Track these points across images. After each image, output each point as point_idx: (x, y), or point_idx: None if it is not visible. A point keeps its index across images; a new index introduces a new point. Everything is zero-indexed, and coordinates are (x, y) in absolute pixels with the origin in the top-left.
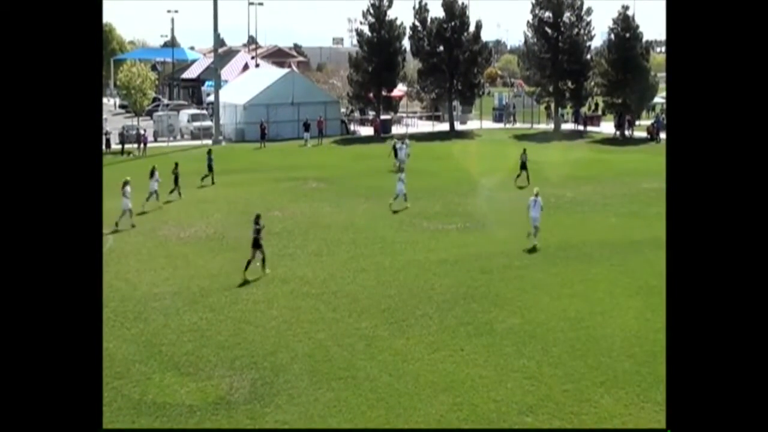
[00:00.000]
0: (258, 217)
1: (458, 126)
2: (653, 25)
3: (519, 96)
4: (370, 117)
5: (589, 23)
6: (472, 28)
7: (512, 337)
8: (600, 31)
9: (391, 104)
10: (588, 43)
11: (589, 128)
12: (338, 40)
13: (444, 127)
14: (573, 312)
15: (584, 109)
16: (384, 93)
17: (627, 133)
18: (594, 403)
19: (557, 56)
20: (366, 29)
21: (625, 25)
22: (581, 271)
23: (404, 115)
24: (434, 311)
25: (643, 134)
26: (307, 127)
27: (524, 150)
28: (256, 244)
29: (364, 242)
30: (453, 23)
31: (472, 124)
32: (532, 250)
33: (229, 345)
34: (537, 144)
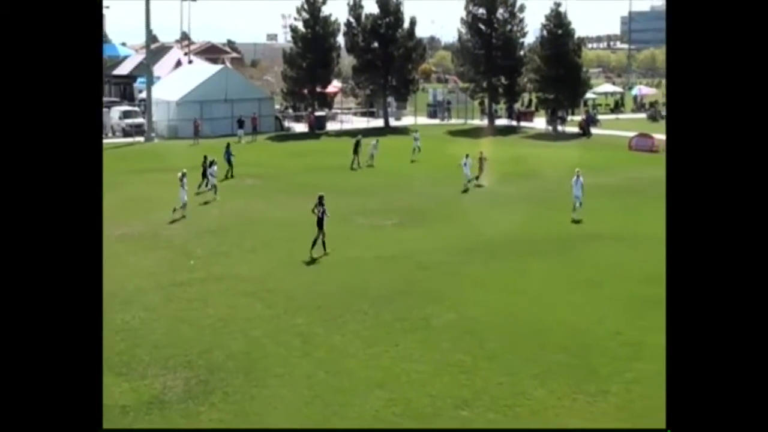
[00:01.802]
0: (321, 198)
1: (393, 122)
2: (585, 22)
3: (453, 92)
4: (305, 113)
5: (522, 20)
6: (406, 25)
7: (448, 332)
8: (533, 28)
9: (326, 100)
10: (521, 40)
11: (523, 124)
12: (272, 37)
13: (379, 123)
14: (510, 306)
15: (517, 105)
16: (318, 89)
17: (559, 128)
18: (528, 396)
19: (491, 53)
20: (300, 25)
21: (557, 21)
22: (519, 266)
23: (339, 111)
24: (370, 307)
25: (575, 129)
26: (241, 123)
27: (481, 151)
28: (320, 224)
29: (301, 239)
30: (387, 20)
31: (407, 120)
32: (578, 221)
33: (162, 344)
34: (472, 140)
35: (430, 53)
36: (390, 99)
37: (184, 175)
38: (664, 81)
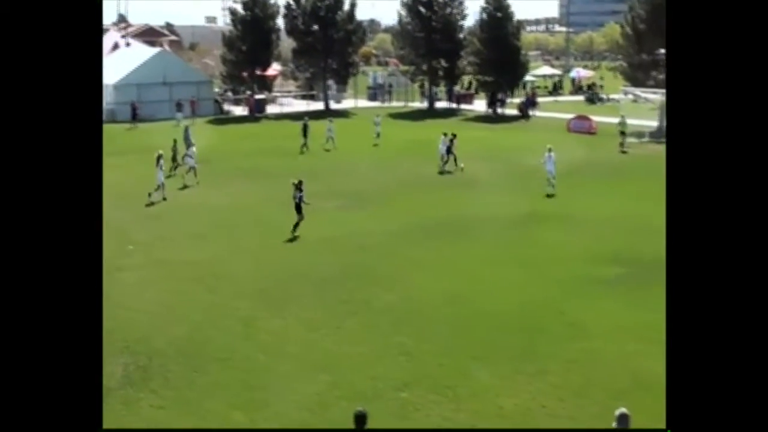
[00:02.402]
0: (300, 183)
1: (333, 105)
2: (523, 5)
3: (393, 75)
4: (245, 97)
5: (461, 3)
6: (346, 8)
7: (389, 314)
8: (473, 11)
9: (266, 83)
10: (461, 23)
11: (463, 106)
12: (211, 19)
13: (319, 106)
14: (451, 288)
15: (457, 88)
16: (258, 72)
17: (499, 110)
18: (469, 377)
19: (431, 35)
20: (239, 8)
21: (496, 4)
22: (460, 247)
23: (279, 94)
24: (312, 290)
25: (515, 112)
26: (179, 107)
27: (454, 135)
28: (299, 209)
29: (243, 223)
30: (327, 2)
31: (347, 103)
32: (551, 195)
33: None
34: (412, 122)
35: (370, 36)
36: (330, 82)
37: (160, 156)
38: (603, 63)
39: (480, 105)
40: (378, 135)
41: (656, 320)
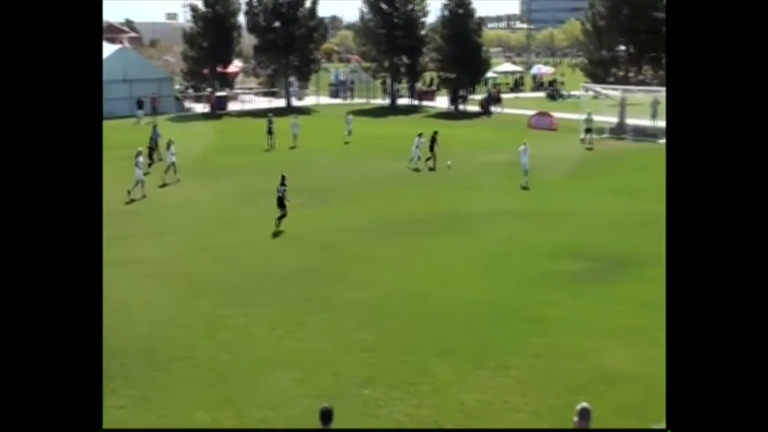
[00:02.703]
0: (283, 178)
1: (295, 102)
2: (485, 2)
3: (355, 71)
4: (206, 94)
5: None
6: (308, 4)
7: (352, 311)
8: (434, 8)
9: (227, 80)
10: (423, 19)
11: (425, 103)
12: (172, 16)
13: (281, 103)
14: (413, 284)
15: (419, 84)
16: (219, 69)
17: (461, 107)
18: (431, 373)
19: (393, 32)
20: (200, 4)
21: (458, 1)
22: (422, 244)
23: (240, 91)
24: (275, 288)
25: (476, 108)
26: (140, 104)
27: (435, 132)
28: (281, 203)
29: (206, 221)
30: None
31: (309, 100)
32: (525, 187)
33: None
34: (374, 119)
35: (332, 33)
36: (292, 79)
37: (139, 153)
38: (564, 60)
39: (442, 102)
40: (349, 133)
41: (615, 314)
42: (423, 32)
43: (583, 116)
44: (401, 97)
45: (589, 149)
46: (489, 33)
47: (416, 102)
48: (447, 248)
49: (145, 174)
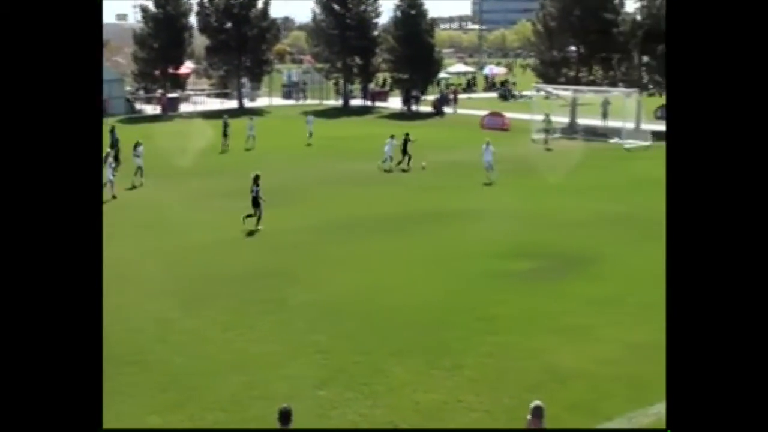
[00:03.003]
0: (257, 177)
1: (248, 103)
2: (437, 4)
3: (308, 72)
4: (157, 95)
5: (375, 0)
6: (260, 5)
7: (305, 313)
8: (387, 8)
9: (179, 82)
10: (375, 20)
11: (378, 104)
12: (122, 17)
13: (233, 104)
14: (366, 284)
15: (372, 85)
16: (171, 70)
17: (414, 107)
18: (385, 373)
19: (345, 33)
20: (151, 5)
21: (410, 2)
22: (377, 245)
23: (192, 92)
24: (227, 290)
25: (429, 109)
26: None
27: (407, 134)
28: (256, 203)
29: (155, 223)
30: (241, 0)
31: (262, 101)
32: (489, 183)
33: None
34: (327, 120)
35: (284, 33)
36: (244, 80)
37: (107, 155)
38: (517, 61)
39: (395, 102)
40: (311, 134)
41: (565, 313)
42: (375, 33)
43: (541, 117)
44: (354, 98)
45: (549, 149)
46: (441, 34)
47: (369, 103)
48: (402, 248)
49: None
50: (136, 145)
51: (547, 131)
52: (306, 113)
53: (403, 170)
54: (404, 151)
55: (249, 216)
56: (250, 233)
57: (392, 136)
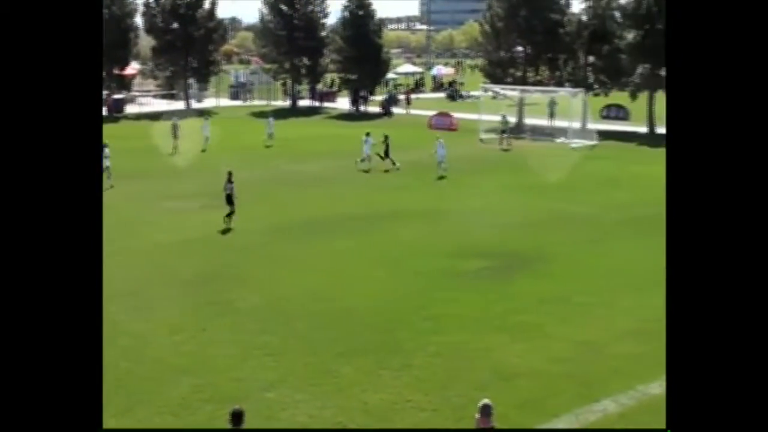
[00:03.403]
0: (230, 174)
1: (195, 104)
2: (385, 4)
3: (256, 73)
4: (103, 96)
5: (323, 1)
6: (207, 5)
7: (255, 315)
8: (335, 9)
9: (124, 83)
10: (323, 21)
11: (326, 104)
12: None
13: (180, 105)
14: (315, 285)
15: (320, 86)
16: (116, 71)
17: (362, 108)
18: (335, 374)
19: (293, 33)
20: None
21: (358, 3)
22: (326, 246)
23: (138, 93)
24: (176, 293)
25: (377, 109)
26: None
27: (386, 136)
28: (230, 200)
29: (105, 224)
30: (187, 0)
31: (209, 102)
32: (442, 177)
33: None
34: (276, 121)
35: (231, 34)
36: (191, 81)
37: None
38: (465, 61)
39: (343, 103)
40: (270, 136)
41: (513, 311)
42: (323, 33)
43: (490, 117)
44: (302, 98)
45: (505, 150)
46: (389, 34)
47: (317, 103)
48: (352, 249)
49: None
50: (103, 146)
51: (504, 131)
52: (265, 114)
53: (385, 170)
54: (386, 154)
55: (229, 215)
56: (201, 235)
57: (368, 134)
